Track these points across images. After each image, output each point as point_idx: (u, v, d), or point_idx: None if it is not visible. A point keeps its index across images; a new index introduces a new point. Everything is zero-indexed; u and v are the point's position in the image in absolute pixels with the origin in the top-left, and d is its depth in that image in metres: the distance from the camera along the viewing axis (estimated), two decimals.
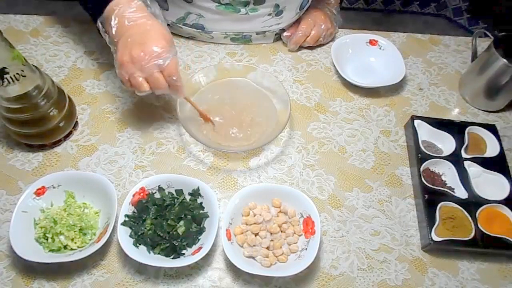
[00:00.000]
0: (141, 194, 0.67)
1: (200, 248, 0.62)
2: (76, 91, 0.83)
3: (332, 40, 0.96)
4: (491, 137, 0.79)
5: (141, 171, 0.74)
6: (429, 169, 0.76)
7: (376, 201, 0.74)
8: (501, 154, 0.77)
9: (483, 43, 0.97)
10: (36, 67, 0.67)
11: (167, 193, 0.69)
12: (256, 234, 0.67)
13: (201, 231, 0.66)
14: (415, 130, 0.79)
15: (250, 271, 0.60)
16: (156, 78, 0.64)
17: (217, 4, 0.82)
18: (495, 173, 0.75)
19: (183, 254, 0.64)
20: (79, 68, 0.87)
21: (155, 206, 0.67)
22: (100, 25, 0.67)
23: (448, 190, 0.72)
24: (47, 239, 0.63)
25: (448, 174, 0.75)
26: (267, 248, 0.66)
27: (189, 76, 0.81)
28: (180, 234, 0.65)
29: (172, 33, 0.70)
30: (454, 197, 0.72)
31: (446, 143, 0.79)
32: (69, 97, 0.75)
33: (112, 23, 0.65)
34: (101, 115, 0.81)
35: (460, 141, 0.78)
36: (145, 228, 0.64)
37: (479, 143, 0.80)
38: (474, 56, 0.90)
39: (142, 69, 0.63)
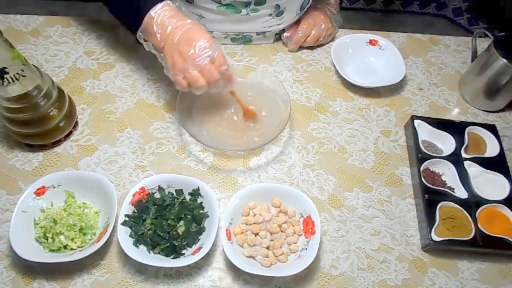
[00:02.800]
0: (141, 194, 0.67)
1: (200, 248, 0.62)
2: (76, 91, 0.83)
3: (332, 40, 0.96)
4: (491, 137, 0.79)
5: (141, 171, 0.74)
6: (429, 169, 0.76)
7: (376, 201, 0.74)
8: (501, 154, 0.77)
9: (483, 43, 0.97)
10: (36, 67, 0.67)
11: (167, 193, 0.69)
12: (256, 234, 0.67)
13: (201, 231, 0.66)
14: (415, 130, 0.79)
15: (250, 271, 0.60)
16: (209, 69, 0.65)
17: (218, 5, 0.82)
18: (495, 173, 0.75)
19: (183, 254, 0.64)
20: (79, 68, 0.87)
21: (155, 206, 0.67)
22: (141, 35, 0.69)
23: (448, 190, 0.72)
24: (47, 239, 0.63)
25: (448, 174, 0.75)
26: (267, 248, 0.66)
27: None
28: (180, 234, 0.65)
29: None
30: (454, 197, 0.72)
31: (446, 143, 0.79)
32: (69, 97, 0.75)
33: (155, 30, 0.66)
34: (101, 115, 0.81)
35: (460, 141, 0.78)
36: (145, 228, 0.64)
37: (479, 143, 0.80)
38: (474, 56, 0.90)
39: (194, 63, 0.65)
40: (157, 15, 0.66)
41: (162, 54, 0.68)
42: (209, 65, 0.65)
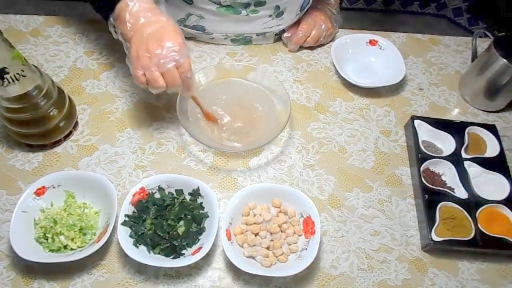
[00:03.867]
0: (141, 194, 0.67)
1: (200, 248, 0.62)
2: (76, 91, 0.83)
3: (332, 40, 0.96)
4: (491, 137, 0.79)
5: (141, 171, 0.74)
6: (429, 169, 0.76)
7: (376, 201, 0.74)
8: (501, 154, 0.77)
9: (483, 43, 0.97)
10: (36, 67, 0.67)
11: (167, 193, 0.69)
12: (256, 234, 0.67)
13: (201, 231, 0.66)
14: (415, 130, 0.79)
15: (250, 271, 0.60)
16: (172, 73, 0.64)
17: (218, 6, 0.82)
18: (495, 173, 0.75)
19: (183, 254, 0.64)
20: (79, 68, 0.87)
21: (155, 206, 0.67)
22: (112, 21, 0.67)
23: (448, 190, 0.72)
24: (47, 239, 0.63)
25: (448, 174, 0.75)
26: (267, 248, 0.66)
27: None
28: (180, 234, 0.65)
29: None
30: (454, 197, 0.72)
31: (446, 143, 0.79)
32: (69, 97, 0.75)
33: (127, 19, 0.65)
34: (101, 115, 0.81)
35: (460, 141, 0.78)
36: (145, 228, 0.64)
37: (479, 143, 0.80)
38: (474, 56, 0.90)
39: (158, 64, 0.63)
40: (133, 4, 0.64)
41: (128, 45, 0.66)
42: (173, 69, 0.64)
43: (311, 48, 0.95)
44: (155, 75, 0.64)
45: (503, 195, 0.72)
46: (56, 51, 0.89)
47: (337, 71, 0.89)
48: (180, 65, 0.64)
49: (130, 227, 0.64)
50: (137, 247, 0.63)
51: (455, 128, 0.79)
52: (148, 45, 0.63)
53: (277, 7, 0.84)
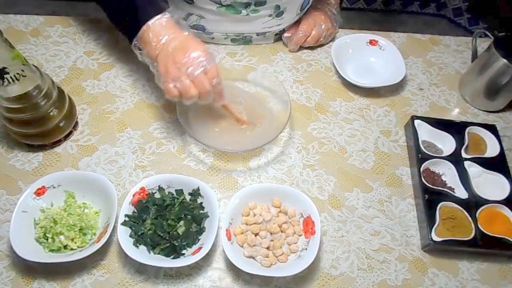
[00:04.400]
0: (141, 194, 0.67)
1: (200, 248, 0.62)
2: (76, 91, 0.83)
3: (332, 40, 0.96)
4: (491, 137, 0.79)
5: (141, 171, 0.74)
6: (429, 169, 0.76)
7: (376, 201, 0.74)
8: (501, 154, 0.77)
9: (483, 43, 0.97)
10: (36, 67, 0.67)
11: (167, 193, 0.69)
12: (256, 234, 0.67)
13: (201, 231, 0.66)
14: (415, 130, 0.79)
15: (250, 271, 0.60)
16: (202, 80, 0.65)
17: (218, 6, 0.82)
18: (495, 173, 0.75)
19: (183, 254, 0.64)
20: (79, 68, 0.87)
21: (155, 206, 0.67)
22: (136, 43, 0.69)
23: (448, 190, 0.72)
24: (47, 239, 0.63)
25: (448, 174, 0.75)
26: (267, 248, 0.66)
27: None
28: (180, 234, 0.65)
29: None
30: (454, 197, 0.72)
31: (446, 143, 0.79)
32: (69, 97, 0.75)
33: (150, 38, 0.66)
34: (101, 115, 0.81)
35: (460, 141, 0.78)
36: (145, 228, 0.64)
37: (479, 143, 0.80)
38: (474, 56, 0.90)
39: (187, 72, 0.64)
40: (154, 25, 0.66)
41: (155, 63, 0.68)
42: (202, 76, 0.65)
43: (311, 48, 0.95)
44: (187, 84, 0.65)
45: (503, 195, 0.72)
46: (56, 51, 0.89)
47: (337, 71, 0.89)
48: (208, 71, 0.65)
49: (130, 227, 0.64)
50: (137, 247, 0.63)
51: (455, 128, 0.79)
52: (175, 57, 0.65)
53: (277, 6, 0.84)
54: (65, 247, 0.63)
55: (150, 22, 0.66)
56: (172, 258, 0.63)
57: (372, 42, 0.93)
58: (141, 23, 0.66)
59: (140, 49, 0.69)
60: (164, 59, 0.66)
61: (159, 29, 0.66)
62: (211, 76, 0.66)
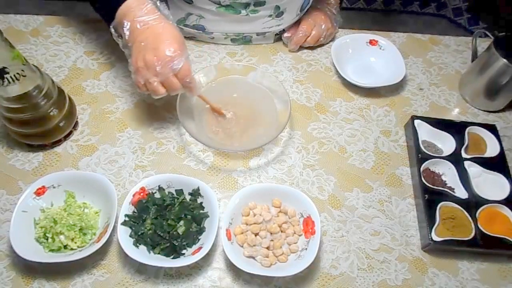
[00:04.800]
0: (141, 194, 0.67)
1: (200, 248, 0.62)
2: (76, 91, 0.83)
3: (332, 40, 0.96)
4: (491, 137, 0.79)
5: (141, 171, 0.74)
6: (429, 169, 0.76)
7: (376, 201, 0.74)
8: (501, 154, 0.77)
9: (483, 43, 0.97)
10: (36, 67, 0.67)
11: (167, 193, 0.69)
12: (256, 234, 0.67)
13: (201, 231, 0.66)
14: (415, 130, 0.79)
15: (250, 271, 0.60)
16: (171, 81, 0.66)
17: (218, 6, 0.82)
18: (495, 173, 0.75)
19: (183, 254, 0.64)
20: (79, 68, 0.87)
21: (155, 206, 0.67)
22: (113, 30, 0.68)
23: (448, 190, 0.72)
24: (47, 239, 0.63)
25: (448, 174, 0.75)
26: (267, 248, 0.66)
27: None
28: (180, 234, 0.65)
29: None
30: (454, 197, 0.72)
31: (446, 143, 0.79)
32: (69, 97, 0.75)
33: (125, 28, 0.65)
34: (101, 115, 0.81)
35: (460, 141, 0.78)
36: (145, 228, 0.64)
37: (479, 143, 0.80)
38: (474, 56, 0.90)
39: (156, 74, 0.65)
40: (130, 11, 0.64)
41: (129, 51, 0.67)
42: (172, 78, 0.65)
43: (311, 48, 0.95)
44: (155, 85, 0.66)
45: (503, 195, 0.72)
46: (56, 51, 0.89)
47: (337, 71, 0.89)
48: (178, 72, 0.65)
49: (130, 227, 0.64)
50: (137, 247, 0.63)
51: (455, 128, 0.79)
52: (145, 56, 0.64)
53: (277, 7, 0.84)
54: (65, 247, 0.63)
55: (124, 6, 0.64)
56: (172, 258, 0.63)
57: (372, 42, 0.93)
58: (116, 5, 0.65)
59: (119, 36, 0.68)
60: (136, 55, 0.65)
61: (135, 17, 0.64)
62: (182, 76, 0.66)
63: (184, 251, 0.64)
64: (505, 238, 0.67)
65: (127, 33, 0.65)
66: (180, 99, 0.76)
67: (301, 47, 0.94)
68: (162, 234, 0.64)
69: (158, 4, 0.68)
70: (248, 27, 0.88)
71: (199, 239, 0.65)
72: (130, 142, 0.78)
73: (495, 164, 0.76)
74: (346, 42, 0.93)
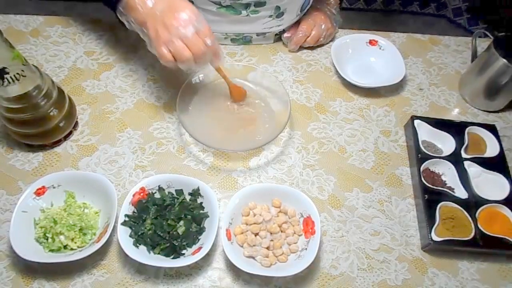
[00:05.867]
0: (141, 194, 0.67)
1: (200, 248, 0.62)
2: (76, 91, 0.83)
3: (332, 40, 0.96)
4: (491, 137, 0.79)
5: (141, 171, 0.74)
6: (429, 169, 0.76)
7: (376, 201, 0.74)
8: (501, 154, 0.77)
9: (483, 43, 0.97)
10: (36, 67, 0.67)
11: (167, 193, 0.69)
12: (256, 234, 0.67)
13: (201, 231, 0.66)
14: (415, 130, 0.79)
15: (250, 271, 0.60)
16: (195, 40, 0.63)
17: (218, 6, 0.82)
18: (495, 173, 0.75)
19: (183, 254, 0.64)
20: (79, 68, 0.87)
21: (155, 206, 0.67)
22: (121, 10, 0.67)
23: (448, 190, 0.72)
24: (47, 239, 0.63)
25: (448, 174, 0.75)
26: (267, 248, 0.66)
27: (189, 77, 0.81)
28: (180, 234, 0.65)
29: None
30: (454, 197, 0.72)
31: (446, 143, 0.79)
32: (69, 97, 0.75)
33: (137, 3, 0.64)
34: (101, 115, 0.81)
35: (460, 141, 0.78)
36: (145, 228, 0.64)
37: (479, 143, 0.80)
38: (474, 56, 0.90)
39: (179, 34, 0.62)
40: None
41: (145, 30, 0.66)
42: (194, 36, 0.63)
43: (311, 48, 0.95)
44: (179, 46, 0.63)
45: (503, 195, 0.73)
46: (56, 51, 0.89)
47: (337, 71, 0.89)
48: (200, 31, 0.63)
49: (130, 227, 0.64)
50: (137, 247, 0.63)
51: (455, 128, 0.79)
52: (164, 20, 0.62)
53: (278, 7, 0.84)
54: (65, 247, 0.63)
55: None
56: (172, 258, 0.63)
57: (372, 42, 0.93)
58: None
59: (126, 19, 0.67)
60: (153, 24, 0.63)
61: None
62: (204, 35, 0.64)
63: (184, 251, 0.64)
64: (505, 238, 0.67)
65: (140, 9, 0.64)
66: (180, 98, 0.76)
67: (301, 47, 0.94)
68: (162, 234, 0.64)
69: None
70: (248, 28, 0.88)
71: (199, 239, 0.65)
72: (130, 142, 0.78)
73: (495, 164, 0.76)
74: (346, 42, 0.93)
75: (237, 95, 0.79)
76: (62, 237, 0.63)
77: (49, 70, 0.86)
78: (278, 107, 0.80)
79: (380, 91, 0.89)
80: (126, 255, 0.60)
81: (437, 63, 0.96)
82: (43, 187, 0.66)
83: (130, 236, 0.63)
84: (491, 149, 0.78)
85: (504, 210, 0.71)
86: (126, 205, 0.65)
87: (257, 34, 0.91)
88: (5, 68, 0.60)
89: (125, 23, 0.69)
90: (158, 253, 0.64)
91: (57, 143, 0.76)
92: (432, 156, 0.76)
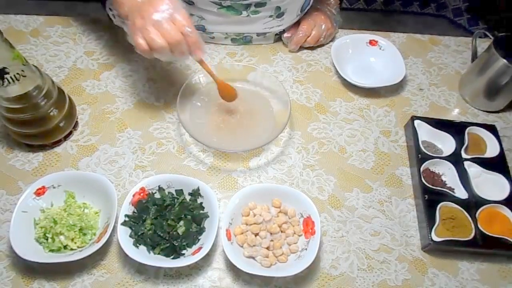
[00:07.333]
0: (141, 194, 0.67)
1: (200, 248, 0.62)
2: (76, 91, 0.83)
3: (332, 40, 0.96)
4: (491, 137, 0.79)
5: (141, 171, 0.74)
6: (429, 169, 0.76)
7: (376, 201, 0.74)
8: (501, 154, 0.77)
9: (483, 44, 0.97)
10: (36, 67, 0.67)
11: (167, 193, 0.69)
12: (256, 234, 0.67)
13: (201, 231, 0.66)
14: (415, 130, 0.79)
15: (250, 271, 0.60)
16: (169, 28, 0.61)
17: (219, 7, 0.82)
18: (495, 173, 0.75)
19: (183, 254, 0.64)
20: (79, 68, 0.87)
21: (155, 206, 0.67)
22: (110, 7, 0.67)
23: (448, 191, 0.72)
24: (47, 239, 0.63)
25: (448, 174, 0.75)
26: (267, 248, 0.66)
27: (189, 77, 0.81)
28: (180, 234, 0.65)
29: None
30: (454, 198, 0.72)
31: (446, 143, 0.79)
32: (69, 97, 0.75)
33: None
34: (101, 115, 0.81)
35: (460, 142, 0.78)
36: (145, 228, 0.64)
37: (479, 143, 0.80)
38: (474, 56, 0.90)
39: (152, 21, 0.61)
40: None
41: (127, 22, 0.65)
42: (168, 23, 0.62)
43: (311, 48, 0.95)
44: (152, 32, 0.61)
45: (503, 195, 0.72)
46: (56, 51, 0.89)
47: (337, 71, 0.89)
48: (176, 20, 0.62)
49: (130, 227, 0.64)
50: (137, 247, 0.63)
51: (455, 128, 0.79)
52: (141, 11, 0.62)
53: (278, 8, 0.84)
54: (65, 247, 0.63)
55: None
56: (172, 258, 0.63)
57: (372, 42, 0.93)
58: None
59: (112, 12, 0.67)
60: (133, 15, 0.63)
61: None
62: (181, 23, 0.62)
63: (184, 251, 0.64)
64: (505, 238, 0.67)
65: (124, 3, 0.64)
66: (180, 99, 0.76)
67: (301, 47, 0.94)
68: (162, 234, 0.64)
69: None
70: (249, 28, 0.88)
71: (199, 239, 0.65)
72: (130, 142, 0.78)
73: (495, 164, 0.76)
74: (346, 43, 0.93)
75: (226, 94, 0.77)
76: (62, 237, 0.63)
77: (49, 70, 0.86)
78: (278, 107, 0.80)
79: (380, 91, 0.89)
80: (126, 255, 0.60)
81: (437, 63, 0.96)
82: (43, 187, 0.66)
83: (130, 236, 0.63)
84: (491, 149, 0.78)
85: (504, 210, 0.71)
86: (126, 205, 0.65)
87: (257, 34, 0.91)
88: (5, 68, 0.60)
89: (111, 17, 0.69)
90: (158, 253, 0.64)
91: (57, 143, 0.76)
92: (432, 156, 0.76)
